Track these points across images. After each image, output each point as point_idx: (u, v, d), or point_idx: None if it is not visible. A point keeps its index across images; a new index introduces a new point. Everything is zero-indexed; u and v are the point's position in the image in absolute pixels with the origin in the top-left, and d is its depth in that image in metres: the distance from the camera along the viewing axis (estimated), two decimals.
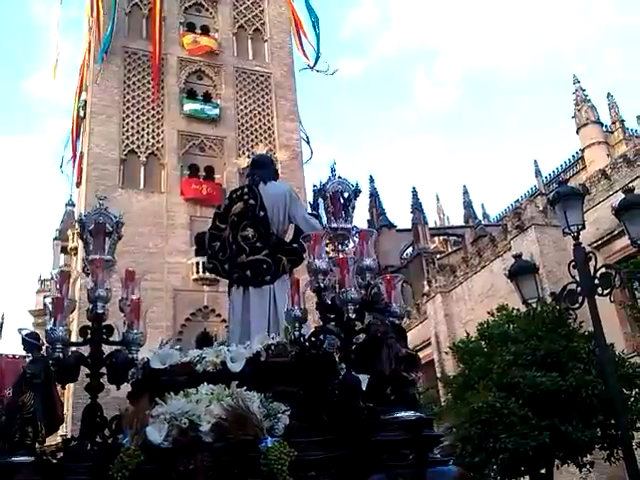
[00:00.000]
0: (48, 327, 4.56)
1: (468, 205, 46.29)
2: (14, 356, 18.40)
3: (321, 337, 4.37)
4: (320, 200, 5.11)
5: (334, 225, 4.71)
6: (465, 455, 12.71)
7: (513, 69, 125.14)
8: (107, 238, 5.04)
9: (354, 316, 4.25)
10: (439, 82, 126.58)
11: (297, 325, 4.50)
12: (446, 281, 28.88)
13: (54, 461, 4.37)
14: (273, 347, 4.45)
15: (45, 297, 36.00)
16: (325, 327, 4.33)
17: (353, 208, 4.94)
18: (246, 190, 6.20)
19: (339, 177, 4.99)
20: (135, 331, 4.78)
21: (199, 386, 4.17)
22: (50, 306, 4.70)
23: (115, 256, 5.14)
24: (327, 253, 4.55)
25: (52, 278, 38.80)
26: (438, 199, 58.36)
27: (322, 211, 4.96)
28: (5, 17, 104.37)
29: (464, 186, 48.39)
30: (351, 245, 4.66)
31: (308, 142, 33.38)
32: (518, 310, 14.29)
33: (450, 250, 40.82)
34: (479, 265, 27.15)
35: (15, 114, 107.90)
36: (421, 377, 8.05)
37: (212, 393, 3.95)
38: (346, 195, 4.90)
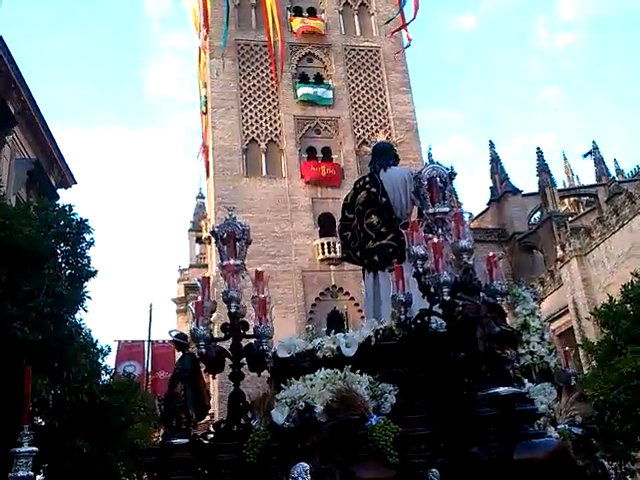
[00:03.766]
0: (192, 327, 5.13)
1: (600, 162, 43.40)
2: (164, 341, 20.02)
3: (426, 319, 4.52)
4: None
5: (431, 210, 4.82)
6: (614, 424, 12.17)
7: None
8: (237, 243, 5.50)
9: (448, 298, 4.34)
10: (561, 28, 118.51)
11: (402, 309, 4.68)
12: (581, 244, 27.49)
13: (205, 442, 5.10)
14: (381, 331, 4.68)
15: (186, 286, 38.67)
16: (430, 309, 4.47)
17: (450, 192, 5.03)
18: (368, 179, 6.63)
19: (434, 162, 5.08)
20: (263, 325, 5.25)
21: (317, 371, 4.49)
22: (193, 309, 5.24)
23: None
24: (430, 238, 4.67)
25: (186, 268, 41.44)
26: (565, 158, 55.33)
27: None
28: (119, 11, 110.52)
29: (594, 142, 45.49)
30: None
31: None
32: None
33: (582, 211, 38.65)
34: (617, 224, 25.65)
35: (135, 108, 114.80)
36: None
37: (327, 377, 4.25)
38: (441, 179, 4.98)
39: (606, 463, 6.55)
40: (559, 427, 5.61)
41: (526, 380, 6.17)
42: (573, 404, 6.21)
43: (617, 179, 39.08)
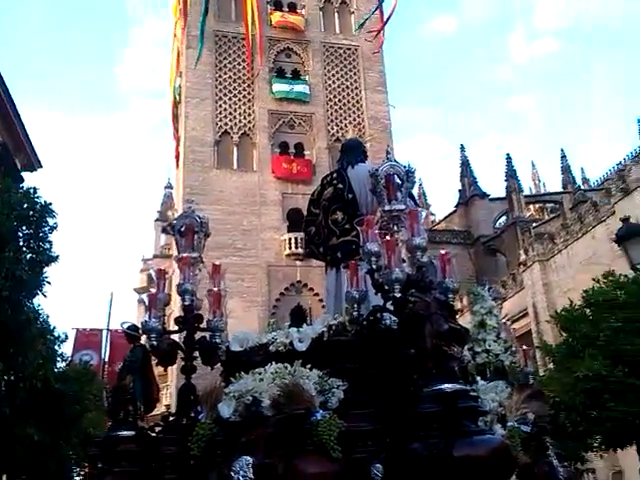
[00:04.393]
0: (144, 319, 5.11)
1: (566, 170, 44.26)
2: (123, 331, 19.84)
3: (378, 315, 4.62)
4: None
5: (387, 207, 4.89)
6: (568, 425, 12.47)
7: (618, 20, 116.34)
8: (195, 236, 5.50)
9: (399, 295, 4.43)
10: (536, 37, 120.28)
11: (356, 305, 4.77)
12: (544, 249, 27.99)
13: (153, 434, 5.08)
14: (334, 327, 4.76)
15: (148, 276, 38.31)
16: (382, 306, 4.57)
17: (407, 189, 5.10)
18: (335, 175, 6.65)
19: (391, 160, 5.15)
20: (217, 319, 5.28)
21: (268, 365, 4.54)
22: (146, 301, 5.22)
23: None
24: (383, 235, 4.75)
25: (150, 258, 41.07)
26: (534, 165, 56.38)
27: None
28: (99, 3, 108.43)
29: (562, 150, 46.33)
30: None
31: None
32: (626, 276, 13.74)
33: (547, 218, 39.40)
34: (580, 231, 26.13)
35: (104, 94, 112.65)
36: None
37: (276, 372, 4.31)
38: (398, 177, 5.06)
39: (556, 462, 6.66)
40: (508, 425, 5.71)
41: (479, 378, 6.29)
42: (525, 402, 6.29)
43: (583, 187, 39.92)
